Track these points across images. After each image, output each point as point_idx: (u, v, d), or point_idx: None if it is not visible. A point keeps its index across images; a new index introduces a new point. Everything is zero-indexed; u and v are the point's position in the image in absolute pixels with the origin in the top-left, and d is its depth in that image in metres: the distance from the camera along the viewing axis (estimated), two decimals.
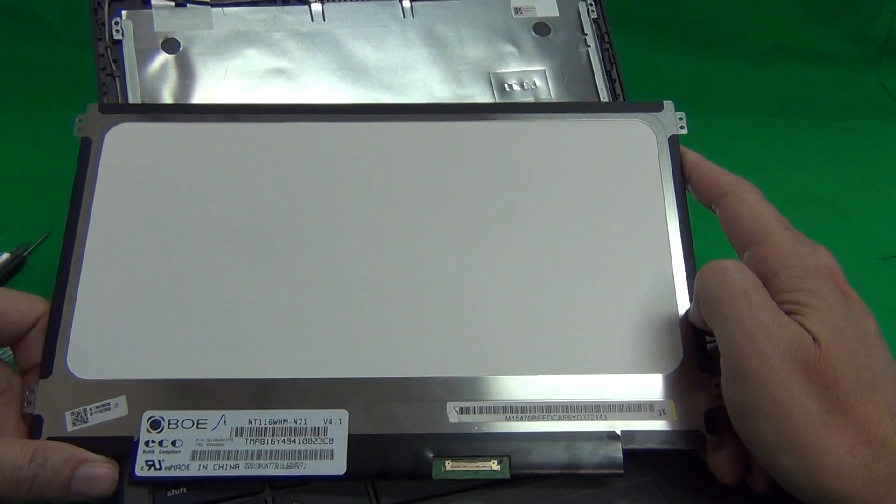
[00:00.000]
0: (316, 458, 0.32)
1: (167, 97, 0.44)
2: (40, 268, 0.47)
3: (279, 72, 0.46)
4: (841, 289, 0.32)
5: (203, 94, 0.45)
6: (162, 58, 0.45)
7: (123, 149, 0.38)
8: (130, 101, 0.43)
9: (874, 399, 0.28)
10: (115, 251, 0.36)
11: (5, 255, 0.47)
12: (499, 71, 0.48)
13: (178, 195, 0.38)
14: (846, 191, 0.58)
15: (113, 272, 0.36)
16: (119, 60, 0.44)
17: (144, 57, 0.44)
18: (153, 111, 0.40)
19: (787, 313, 0.30)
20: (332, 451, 0.32)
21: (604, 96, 0.48)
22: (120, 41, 0.44)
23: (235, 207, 0.37)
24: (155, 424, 0.33)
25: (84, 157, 0.38)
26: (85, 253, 0.36)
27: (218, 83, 0.45)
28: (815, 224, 0.34)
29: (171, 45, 0.45)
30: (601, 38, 0.49)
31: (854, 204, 0.57)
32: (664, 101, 0.41)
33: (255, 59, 0.46)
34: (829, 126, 0.67)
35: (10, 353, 0.35)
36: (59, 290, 0.35)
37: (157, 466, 0.32)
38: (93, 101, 0.40)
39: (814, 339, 0.29)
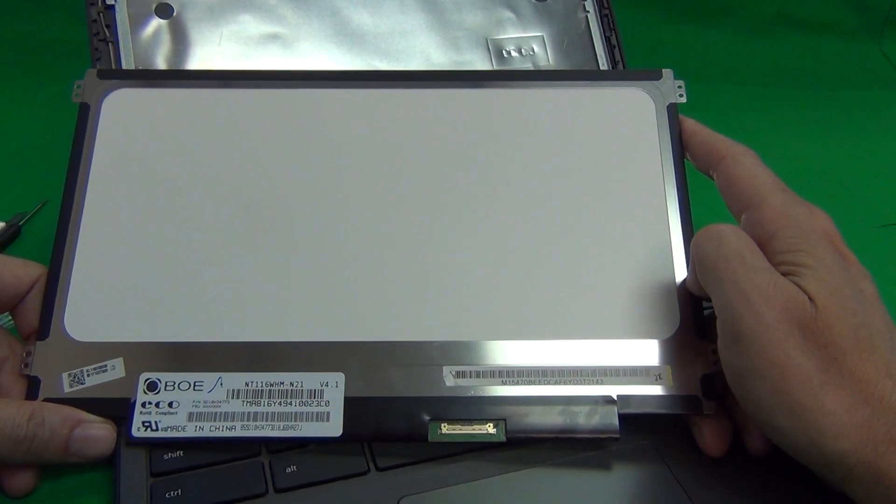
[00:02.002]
0: (312, 421, 0.32)
1: (161, 63, 0.44)
2: (36, 237, 0.47)
3: (274, 37, 0.45)
4: (838, 250, 0.32)
5: (197, 59, 0.44)
6: (155, 23, 0.44)
7: (121, 114, 0.38)
8: (124, 66, 0.43)
9: (872, 358, 0.28)
10: (113, 215, 0.36)
11: (1, 225, 0.47)
12: (497, 37, 0.48)
13: (175, 160, 0.37)
14: (847, 161, 0.58)
15: (110, 235, 0.36)
16: (112, 26, 0.43)
17: (137, 22, 0.44)
18: (151, 77, 0.40)
19: (784, 274, 0.30)
20: (328, 413, 0.32)
21: (603, 63, 0.48)
22: (113, 6, 0.44)
23: (232, 173, 0.37)
24: (152, 386, 0.33)
25: (82, 123, 0.38)
26: (83, 216, 0.36)
27: (212, 49, 0.45)
28: (815, 193, 0.34)
29: (164, 10, 0.45)
30: (600, 3, 0.48)
31: (854, 173, 0.57)
32: (663, 70, 0.40)
33: (249, 24, 0.45)
34: (831, 96, 0.66)
35: (11, 320, 0.35)
36: (56, 252, 0.35)
37: (154, 428, 0.32)
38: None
39: (810, 299, 0.29)
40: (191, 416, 0.32)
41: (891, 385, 0.27)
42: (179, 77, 0.40)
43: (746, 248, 0.30)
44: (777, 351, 0.28)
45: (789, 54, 0.70)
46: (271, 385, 0.33)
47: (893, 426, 0.27)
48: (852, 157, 0.59)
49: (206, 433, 0.32)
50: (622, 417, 0.33)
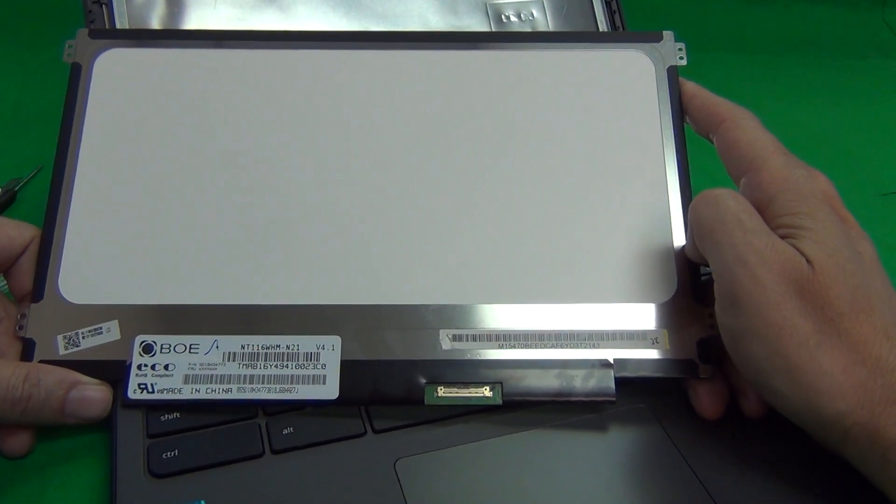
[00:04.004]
0: (308, 384, 0.32)
1: (155, 26, 0.43)
2: (31, 202, 0.47)
3: (270, 0, 0.45)
4: (838, 213, 0.31)
5: (192, 23, 0.44)
6: None
7: (113, 74, 0.38)
8: (118, 27, 0.42)
9: (870, 319, 0.28)
10: (106, 176, 0.36)
11: None
12: (496, 1, 0.47)
13: (168, 121, 0.37)
14: (848, 129, 0.58)
15: (104, 197, 0.35)
16: None
17: None
18: (144, 37, 0.39)
19: (783, 237, 0.30)
20: (324, 376, 0.32)
21: (603, 28, 0.47)
22: None
23: (226, 134, 0.37)
24: (147, 349, 0.33)
25: (74, 83, 0.37)
26: (76, 177, 0.36)
27: (207, 12, 0.44)
28: (816, 161, 0.33)
29: None
30: None
31: (855, 142, 0.56)
32: (664, 32, 0.40)
33: None
34: (832, 65, 0.66)
35: (5, 283, 0.35)
36: (50, 214, 0.35)
37: (150, 390, 0.32)
38: None
39: (808, 260, 0.29)
40: (187, 379, 0.32)
41: (888, 346, 0.27)
42: (172, 37, 0.39)
43: (744, 211, 0.30)
44: (774, 313, 0.28)
45: (791, 22, 0.69)
46: (267, 348, 0.33)
47: (890, 387, 0.27)
48: (853, 125, 0.58)
49: (202, 395, 0.32)
50: (618, 381, 0.33)
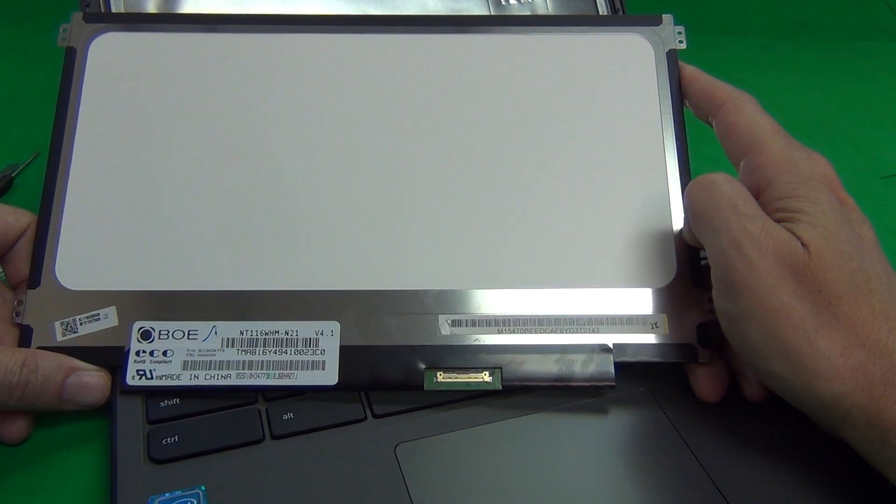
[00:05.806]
0: (307, 369, 0.32)
1: (151, 10, 0.43)
2: (28, 188, 0.47)
3: None
4: (838, 196, 0.31)
5: (188, 7, 0.43)
6: None
7: (109, 59, 0.38)
8: (113, 11, 0.42)
9: (868, 302, 0.28)
10: (102, 161, 0.36)
11: None
12: None
13: (164, 106, 0.37)
14: (848, 111, 0.58)
15: (100, 182, 0.35)
16: None
17: None
18: (139, 21, 0.39)
19: (781, 220, 0.30)
20: (323, 362, 0.32)
21: (603, 11, 0.47)
22: None
23: (222, 119, 0.37)
24: (145, 335, 0.32)
25: (69, 67, 0.37)
26: (72, 163, 0.35)
27: None
28: (817, 144, 0.33)
29: None
30: None
31: (856, 124, 0.56)
32: (663, 15, 0.40)
33: None
34: (834, 47, 0.66)
35: (2, 270, 0.35)
36: (46, 200, 0.35)
37: (149, 376, 0.32)
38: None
39: (804, 244, 0.28)
40: (185, 365, 0.32)
41: (887, 328, 0.27)
42: (168, 21, 0.39)
43: (739, 196, 0.30)
44: (770, 297, 0.28)
45: (792, 5, 0.69)
46: (266, 334, 0.33)
47: (889, 369, 0.27)
48: (855, 107, 0.58)
49: (200, 381, 0.32)
50: (618, 365, 0.33)
